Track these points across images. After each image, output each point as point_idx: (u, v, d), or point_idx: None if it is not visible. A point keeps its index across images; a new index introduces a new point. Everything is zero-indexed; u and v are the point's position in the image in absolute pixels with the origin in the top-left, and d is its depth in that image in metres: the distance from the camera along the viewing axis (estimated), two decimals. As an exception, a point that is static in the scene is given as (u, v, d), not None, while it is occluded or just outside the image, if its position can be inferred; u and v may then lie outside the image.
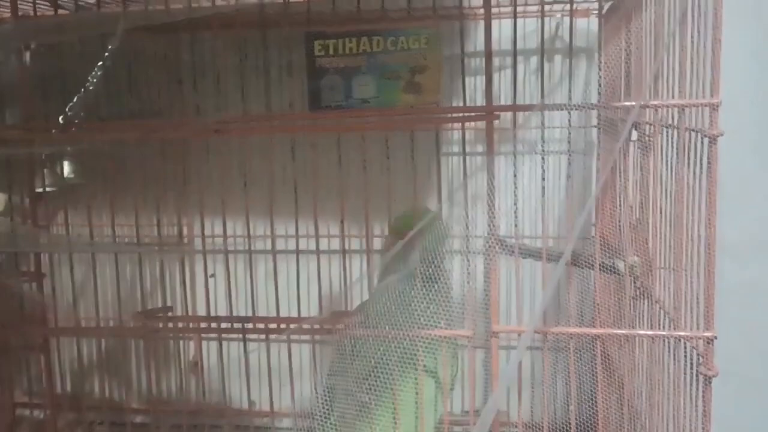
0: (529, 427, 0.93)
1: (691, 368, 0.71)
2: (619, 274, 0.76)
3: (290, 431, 0.89)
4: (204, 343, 0.99)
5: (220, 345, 0.86)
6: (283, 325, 0.82)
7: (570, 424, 0.80)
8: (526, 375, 1.08)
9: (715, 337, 0.70)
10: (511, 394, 0.99)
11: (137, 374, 1.02)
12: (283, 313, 0.89)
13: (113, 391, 1.11)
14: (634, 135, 0.89)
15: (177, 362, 1.00)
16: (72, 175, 1.06)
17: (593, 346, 0.78)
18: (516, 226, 0.80)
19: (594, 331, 0.74)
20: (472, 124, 1.06)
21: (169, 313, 0.88)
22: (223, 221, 0.93)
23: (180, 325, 0.85)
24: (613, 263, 0.76)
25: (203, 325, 0.85)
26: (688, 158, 0.71)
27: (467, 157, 1.03)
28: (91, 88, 0.98)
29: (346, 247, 1.00)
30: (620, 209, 0.84)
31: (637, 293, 0.81)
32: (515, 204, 0.86)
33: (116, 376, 1.11)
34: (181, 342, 0.98)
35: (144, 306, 0.88)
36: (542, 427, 0.80)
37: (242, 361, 0.88)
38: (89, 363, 1.04)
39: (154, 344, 0.90)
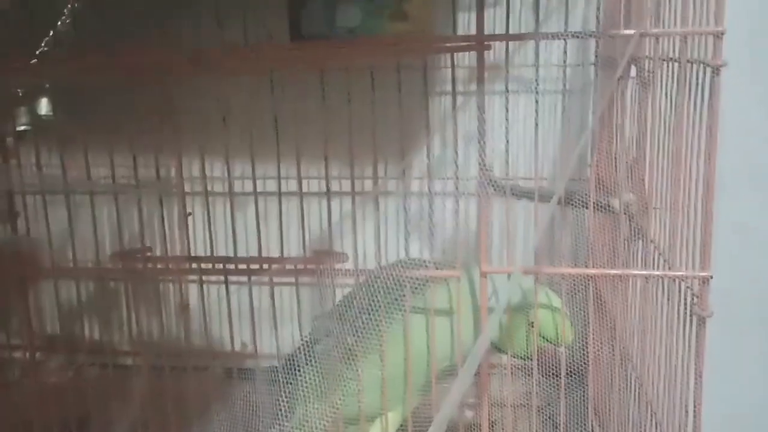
0: (519, 368, 0.93)
1: (686, 309, 0.69)
2: (613, 213, 0.73)
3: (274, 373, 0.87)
4: (192, 286, 0.96)
5: (201, 286, 0.83)
6: (265, 266, 0.80)
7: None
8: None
9: (711, 277, 0.68)
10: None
11: (126, 317, 1.00)
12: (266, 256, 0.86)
13: (102, 334, 1.10)
14: (633, 71, 0.85)
15: (165, 305, 0.98)
16: (48, 113, 1.02)
17: (586, 287, 0.76)
18: (508, 164, 0.77)
19: (587, 271, 0.72)
20: (466, 63, 1.02)
21: (148, 254, 0.85)
22: (201, 161, 0.89)
23: (159, 266, 0.83)
24: (608, 201, 0.73)
25: (183, 266, 0.82)
26: (689, 91, 0.68)
27: (460, 96, 0.99)
28: (66, 20, 0.94)
29: (330, 189, 0.96)
30: (617, 147, 0.81)
31: (632, 232, 0.79)
32: (507, 141, 0.83)
33: (103, 318, 1.09)
34: (171, 285, 0.96)
35: (122, 247, 0.86)
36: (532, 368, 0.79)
37: (226, 303, 0.86)
38: (77, 305, 1.02)
39: (135, 285, 0.87)
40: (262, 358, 0.96)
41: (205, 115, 0.92)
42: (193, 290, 0.93)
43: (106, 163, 0.90)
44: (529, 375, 0.82)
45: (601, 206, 0.74)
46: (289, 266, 0.76)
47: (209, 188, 0.96)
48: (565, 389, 0.80)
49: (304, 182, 0.96)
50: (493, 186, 0.87)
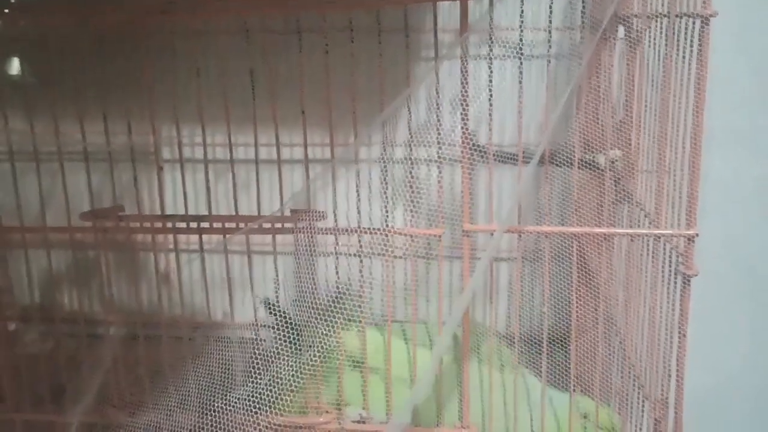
0: (502, 336, 0.91)
1: (671, 268, 0.68)
2: (598, 169, 0.71)
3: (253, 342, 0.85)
4: (172, 255, 0.93)
5: (175, 245, 0.80)
6: (242, 225, 0.77)
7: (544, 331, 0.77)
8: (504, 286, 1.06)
9: (697, 235, 0.66)
10: (490, 305, 0.96)
11: (102, 285, 0.96)
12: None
13: (79, 303, 1.06)
14: (621, 32, 0.84)
15: (143, 272, 0.95)
16: (16, 74, 0.99)
17: (570, 249, 0.74)
18: (491, 130, 0.75)
19: (571, 229, 0.70)
20: (452, 26, 0.98)
21: (120, 213, 0.82)
22: (176, 125, 0.86)
23: (132, 224, 0.80)
24: (593, 158, 0.71)
25: (157, 224, 0.79)
26: (678, 45, 0.66)
27: (446, 62, 0.96)
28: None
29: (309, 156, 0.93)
30: (603, 109, 0.79)
31: (618, 194, 0.78)
32: (490, 105, 0.80)
33: (80, 287, 1.06)
34: (150, 253, 0.93)
35: (93, 207, 0.83)
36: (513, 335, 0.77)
37: (200, 263, 0.83)
38: (52, 274, 0.99)
39: (109, 248, 0.84)
40: (239, 327, 0.93)
41: (178, 77, 0.89)
42: (182, 259, 0.90)
43: (76, 128, 0.87)
44: (511, 341, 0.81)
45: (585, 163, 0.72)
46: (266, 225, 0.73)
47: (183, 154, 0.92)
48: (548, 355, 0.78)
49: (281, 149, 0.93)
50: (477, 150, 0.85)
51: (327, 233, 0.73)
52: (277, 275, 0.81)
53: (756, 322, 1.09)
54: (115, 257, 0.91)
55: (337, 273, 0.80)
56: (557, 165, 0.74)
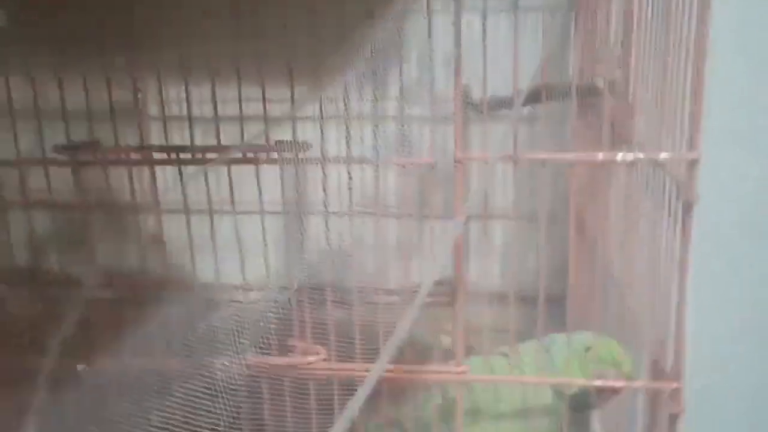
0: (495, 296, 0.88)
1: (671, 195, 0.65)
2: (597, 95, 0.68)
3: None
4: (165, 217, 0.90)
5: (153, 177, 0.77)
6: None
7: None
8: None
9: (700, 159, 0.63)
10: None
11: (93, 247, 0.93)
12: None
13: (71, 266, 1.03)
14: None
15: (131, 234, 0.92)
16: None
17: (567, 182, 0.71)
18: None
19: (568, 156, 0.67)
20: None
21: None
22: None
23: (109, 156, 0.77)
24: (591, 82, 0.68)
25: (135, 156, 0.76)
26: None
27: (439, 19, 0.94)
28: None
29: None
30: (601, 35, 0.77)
31: (615, 137, 0.75)
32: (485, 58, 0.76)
33: (72, 248, 1.02)
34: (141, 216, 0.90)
35: (69, 140, 0.80)
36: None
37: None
38: (43, 235, 0.96)
39: (82, 180, 0.80)
40: (224, 289, 0.90)
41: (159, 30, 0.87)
42: (173, 224, 0.87)
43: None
44: (505, 300, 0.78)
45: (583, 90, 0.69)
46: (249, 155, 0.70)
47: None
48: (544, 314, 0.75)
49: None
50: (470, 105, 0.83)
51: (312, 163, 0.69)
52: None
53: (753, 321, 1.08)
54: (100, 214, 0.88)
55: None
56: (554, 99, 0.71)
